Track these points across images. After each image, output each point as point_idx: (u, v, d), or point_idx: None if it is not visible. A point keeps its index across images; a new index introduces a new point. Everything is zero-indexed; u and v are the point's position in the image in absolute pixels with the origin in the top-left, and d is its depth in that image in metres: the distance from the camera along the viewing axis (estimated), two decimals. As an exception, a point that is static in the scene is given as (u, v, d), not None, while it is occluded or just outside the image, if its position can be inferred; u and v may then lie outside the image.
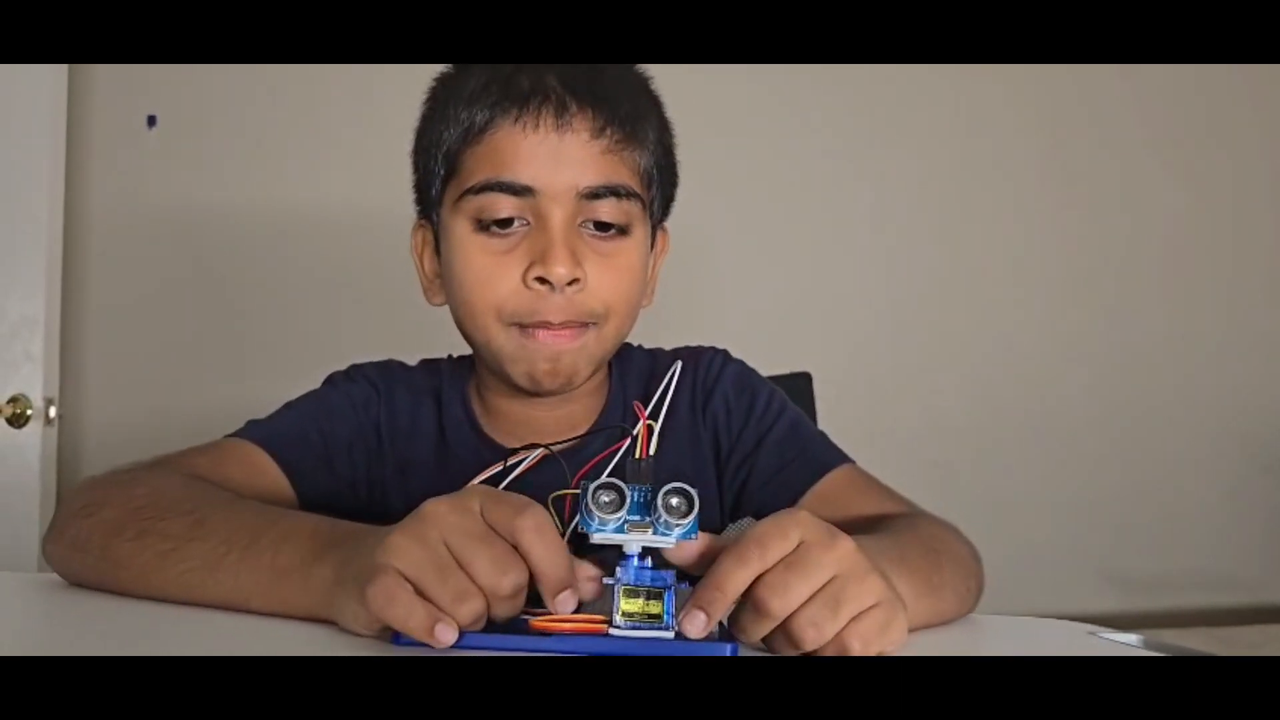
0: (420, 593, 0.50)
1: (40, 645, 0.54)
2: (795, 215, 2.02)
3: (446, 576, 0.50)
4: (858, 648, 0.52)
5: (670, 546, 0.53)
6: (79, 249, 1.79)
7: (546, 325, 0.77)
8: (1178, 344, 2.18)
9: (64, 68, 1.67)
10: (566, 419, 0.85)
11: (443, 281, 0.83)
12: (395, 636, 0.52)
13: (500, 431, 0.86)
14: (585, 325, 0.78)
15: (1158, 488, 2.14)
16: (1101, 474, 2.12)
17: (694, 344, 0.92)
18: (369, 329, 1.74)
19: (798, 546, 0.52)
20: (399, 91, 1.73)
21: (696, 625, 0.50)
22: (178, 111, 1.85)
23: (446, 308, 0.84)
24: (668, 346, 0.94)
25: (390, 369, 0.92)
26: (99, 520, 0.65)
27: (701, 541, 0.54)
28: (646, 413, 0.57)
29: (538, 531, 0.51)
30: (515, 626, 0.53)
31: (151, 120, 1.84)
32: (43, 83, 1.64)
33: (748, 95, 1.97)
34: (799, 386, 1.15)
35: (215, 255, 1.84)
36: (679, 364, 0.80)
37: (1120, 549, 2.12)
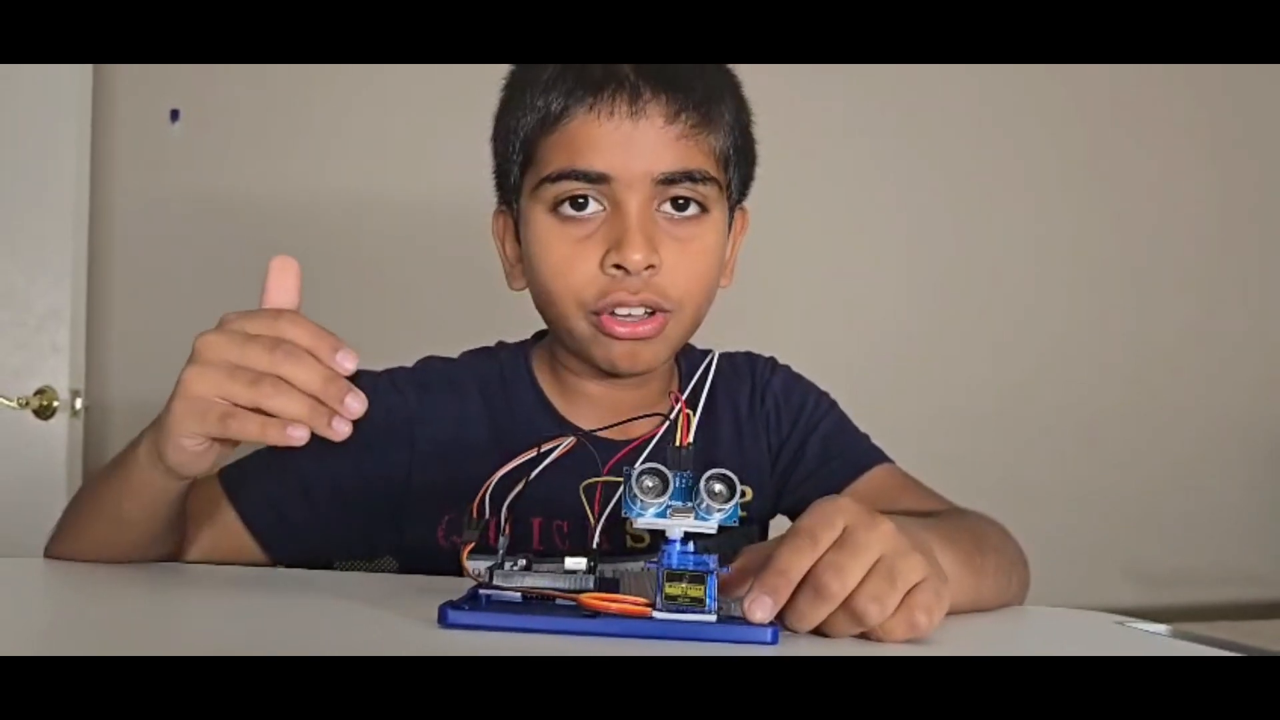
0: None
1: (63, 632, 0.55)
2: (814, 210, 2.02)
3: (238, 375, 0.55)
4: (924, 621, 0.54)
5: (712, 531, 0.54)
6: (104, 242, 1.80)
7: (624, 304, 0.77)
8: (1199, 339, 2.17)
9: (89, 67, 1.68)
10: (648, 398, 0.87)
11: (523, 267, 0.84)
12: (443, 616, 0.53)
13: (579, 413, 0.87)
14: (663, 312, 0.79)
15: (1179, 482, 2.14)
16: (1123, 469, 2.12)
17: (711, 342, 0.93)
18: (392, 320, 1.75)
19: (843, 531, 0.54)
20: (420, 87, 1.74)
21: (764, 609, 0.52)
22: (200, 106, 1.85)
23: (526, 292, 0.85)
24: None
25: (425, 371, 0.90)
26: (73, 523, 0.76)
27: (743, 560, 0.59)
28: (684, 401, 0.58)
29: (292, 320, 0.57)
30: (564, 608, 0.54)
31: (175, 114, 1.85)
32: (68, 81, 1.65)
33: (764, 92, 1.97)
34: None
35: (239, 248, 1.85)
36: (715, 353, 0.82)
37: (1141, 543, 2.12)
